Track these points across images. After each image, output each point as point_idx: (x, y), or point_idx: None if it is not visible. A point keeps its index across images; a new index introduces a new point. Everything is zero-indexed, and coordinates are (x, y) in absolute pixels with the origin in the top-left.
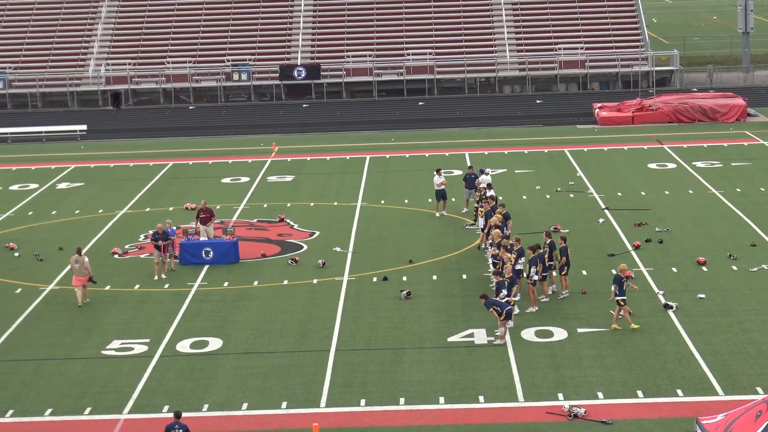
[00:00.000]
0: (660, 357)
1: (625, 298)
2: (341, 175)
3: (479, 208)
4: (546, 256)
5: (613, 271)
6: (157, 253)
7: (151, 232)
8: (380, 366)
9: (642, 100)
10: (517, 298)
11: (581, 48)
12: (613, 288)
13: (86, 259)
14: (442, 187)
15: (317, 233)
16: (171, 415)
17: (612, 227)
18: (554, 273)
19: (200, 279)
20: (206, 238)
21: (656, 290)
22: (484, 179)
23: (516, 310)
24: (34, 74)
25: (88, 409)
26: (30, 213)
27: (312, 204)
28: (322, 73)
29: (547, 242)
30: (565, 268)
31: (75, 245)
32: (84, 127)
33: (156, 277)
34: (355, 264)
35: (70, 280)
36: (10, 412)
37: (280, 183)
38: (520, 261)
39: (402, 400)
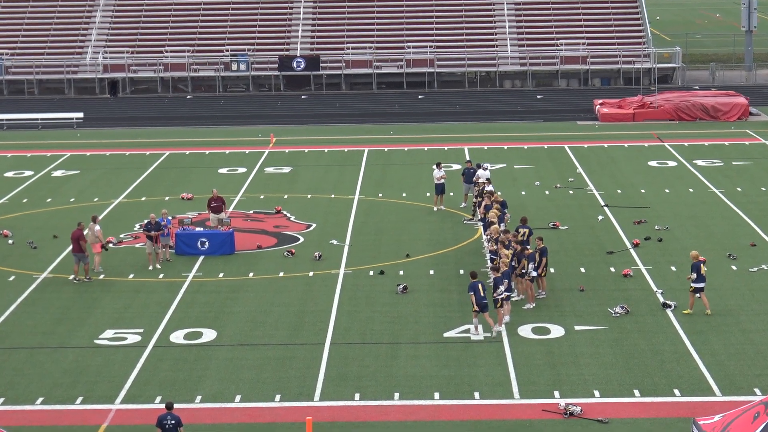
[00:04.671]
0: (657, 356)
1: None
2: (339, 167)
3: (477, 203)
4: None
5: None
6: (149, 243)
7: (144, 221)
8: (375, 360)
9: (643, 98)
10: (515, 296)
11: (583, 44)
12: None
13: (97, 227)
14: (442, 180)
15: (314, 225)
16: (164, 405)
17: (611, 225)
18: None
19: (195, 269)
20: (219, 228)
21: (655, 289)
22: (482, 174)
23: (515, 295)
24: (31, 61)
25: (80, 399)
26: (24, 200)
27: (309, 196)
28: (321, 65)
29: (539, 247)
30: (543, 269)
31: (70, 233)
32: (80, 114)
33: (150, 267)
34: (351, 257)
35: (63, 269)
36: (1, 400)
37: (278, 174)
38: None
39: (397, 395)
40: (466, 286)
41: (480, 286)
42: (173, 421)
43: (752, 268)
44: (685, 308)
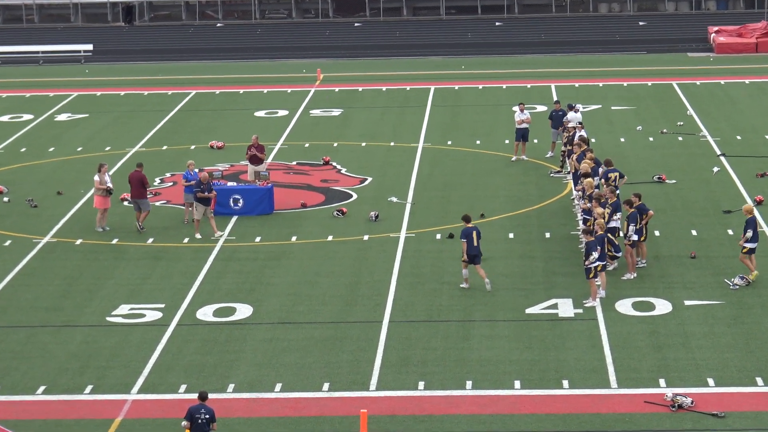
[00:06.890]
0: None
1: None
2: (400, 109)
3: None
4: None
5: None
6: (201, 206)
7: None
8: (443, 342)
9: None
10: (612, 267)
11: None
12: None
13: (106, 176)
14: (525, 125)
15: (369, 179)
16: (189, 395)
17: (729, 178)
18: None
19: (227, 232)
20: (256, 182)
21: None
22: (573, 117)
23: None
24: None
25: (90, 387)
26: (23, 150)
27: (363, 144)
28: None
29: (636, 204)
30: (643, 231)
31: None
32: (89, 47)
33: (198, 236)
34: (414, 218)
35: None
36: None
37: (326, 118)
38: (615, 217)
39: (469, 384)
40: (552, 252)
41: (474, 233)
42: (207, 416)
43: None
44: None
